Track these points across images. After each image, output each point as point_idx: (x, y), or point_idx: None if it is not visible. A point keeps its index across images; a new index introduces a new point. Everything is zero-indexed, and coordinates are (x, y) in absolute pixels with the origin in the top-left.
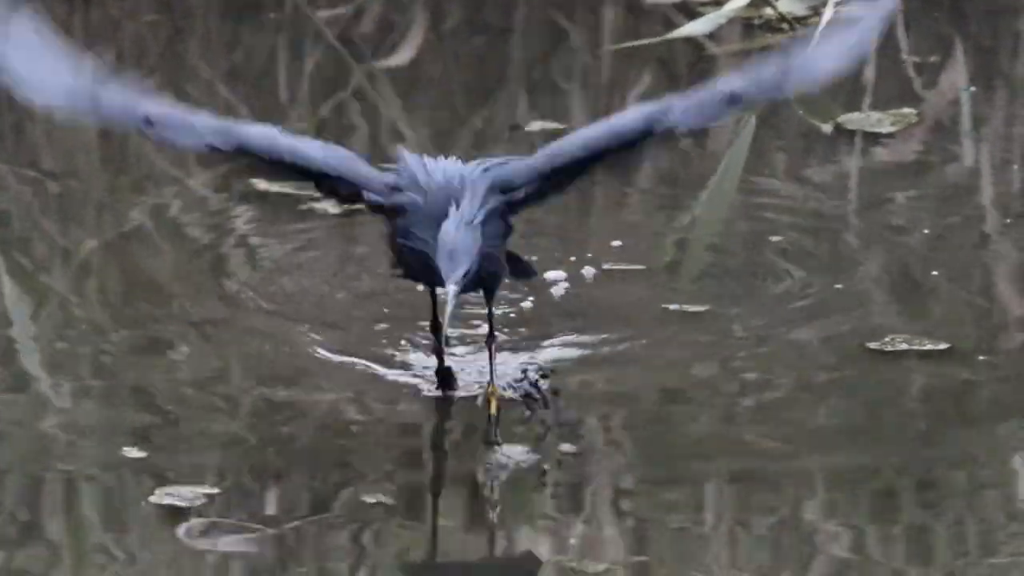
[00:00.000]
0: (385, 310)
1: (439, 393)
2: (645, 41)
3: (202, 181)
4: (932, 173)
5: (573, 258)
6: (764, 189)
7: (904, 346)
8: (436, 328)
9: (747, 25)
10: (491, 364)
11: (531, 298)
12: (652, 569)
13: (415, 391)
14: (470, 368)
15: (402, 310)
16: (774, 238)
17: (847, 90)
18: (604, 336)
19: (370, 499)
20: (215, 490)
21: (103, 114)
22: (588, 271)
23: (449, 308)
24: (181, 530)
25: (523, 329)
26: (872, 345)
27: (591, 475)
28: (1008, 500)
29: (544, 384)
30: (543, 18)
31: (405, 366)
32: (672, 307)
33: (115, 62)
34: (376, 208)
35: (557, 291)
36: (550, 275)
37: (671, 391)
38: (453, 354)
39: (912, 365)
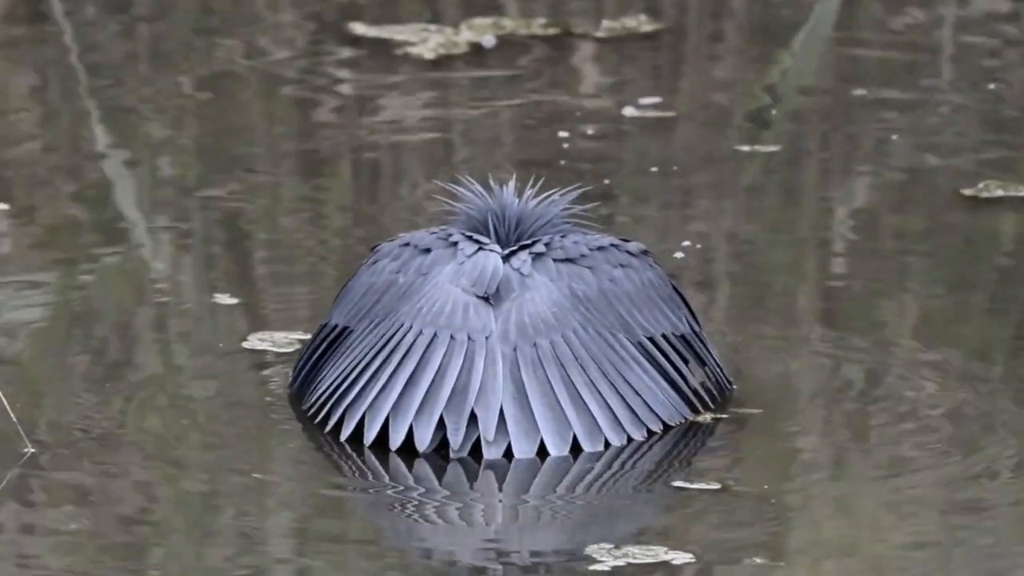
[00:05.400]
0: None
1: None
2: None
3: (295, 23)
4: None
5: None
6: (854, 39)
7: (1000, 192)
8: None
9: None
10: None
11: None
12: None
13: None
14: None
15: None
16: (859, 91)
17: None
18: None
19: None
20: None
21: None
22: (629, 111)
23: None
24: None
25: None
26: (967, 191)
27: None
28: None
29: None
30: None
31: None
32: (737, 147)
33: None
34: None
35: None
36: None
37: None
38: None
39: (1007, 211)
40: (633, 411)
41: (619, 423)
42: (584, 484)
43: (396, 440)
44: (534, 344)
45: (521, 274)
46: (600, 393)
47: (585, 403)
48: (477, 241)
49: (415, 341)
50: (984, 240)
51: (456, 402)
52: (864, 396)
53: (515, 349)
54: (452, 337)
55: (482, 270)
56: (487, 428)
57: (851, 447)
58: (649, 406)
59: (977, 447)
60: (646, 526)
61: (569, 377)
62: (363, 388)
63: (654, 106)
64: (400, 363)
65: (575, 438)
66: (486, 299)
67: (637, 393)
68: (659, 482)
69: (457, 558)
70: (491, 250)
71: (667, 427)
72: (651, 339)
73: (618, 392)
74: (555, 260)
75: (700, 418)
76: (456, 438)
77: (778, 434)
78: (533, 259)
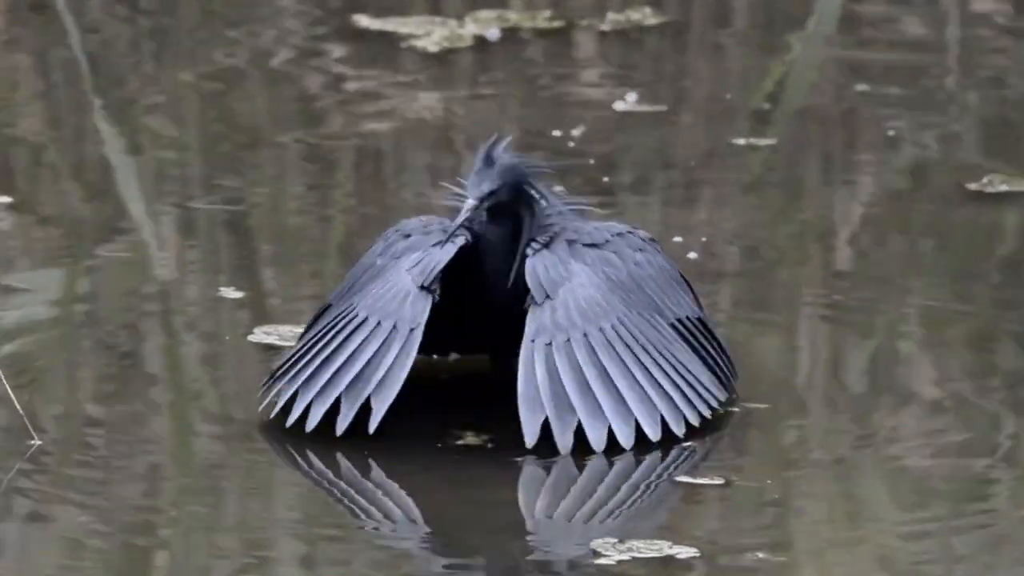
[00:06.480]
0: None
1: None
2: None
3: (298, 16)
4: None
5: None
6: (858, 37)
7: (1004, 187)
8: None
9: None
10: None
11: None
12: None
13: None
14: None
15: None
16: (861, 87)
17: None
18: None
19: None
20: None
21: None
22: (631, 96)
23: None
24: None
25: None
26: (971, 186)
27: None
28: None
29: None
30: None
31: None
32: (739, 141)
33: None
34: None
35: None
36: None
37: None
38: None
39: (1011, 205)
40: (696, 391)
41: (676, 407)
42: (590, 479)
43: (312, 421)
44: (600, 328)
45: (561, 260)
46: (667, 374)
47: (656, 384)
48: (448, 232)
49: (347, 324)
50: (988, 234)
51: (356, 387)
52: (869, 390)
53: (585, 335)
54: (379, 323)
55: (427, 261)
56: (527, 431)
57: (855, 442)
58: (704, 387)
59: (982, 440)
60: (651, 521)
61: (638, 360)
62: (300, 369)
63: (657, 99)
64: (327, 345)
65: (637, 424)
66: (429, 290)
67: (693, 375)
68: (664, 477)
69: (463, 551)
70: (456, 239)
71: (713, 411)
72: (679, 321)
73: (678, 374)
74: (584, 245)
75: (705, 412)
76: (343, 423)
77: (782, 429)
78: (568, 246)
